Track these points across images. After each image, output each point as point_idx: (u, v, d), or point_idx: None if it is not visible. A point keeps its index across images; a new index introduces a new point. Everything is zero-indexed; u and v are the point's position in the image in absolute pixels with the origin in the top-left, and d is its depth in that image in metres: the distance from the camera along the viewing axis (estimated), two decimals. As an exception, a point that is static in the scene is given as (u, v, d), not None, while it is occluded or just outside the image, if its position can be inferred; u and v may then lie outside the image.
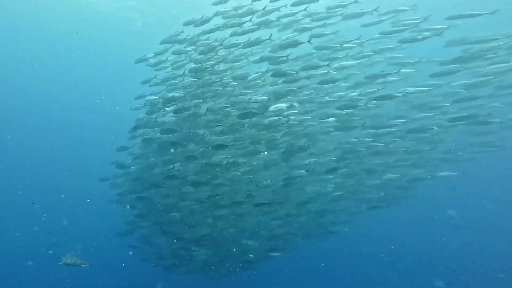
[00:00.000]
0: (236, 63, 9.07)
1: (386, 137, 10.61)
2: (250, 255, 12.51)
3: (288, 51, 8.43)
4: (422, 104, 10.18)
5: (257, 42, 8.00)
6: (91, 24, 22.72)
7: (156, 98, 9.45)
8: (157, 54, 9.78)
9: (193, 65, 8.84)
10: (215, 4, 8.69)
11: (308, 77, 8.39)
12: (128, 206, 11.34)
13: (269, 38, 8.00)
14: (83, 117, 32.71)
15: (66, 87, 32.67)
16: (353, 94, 8.86)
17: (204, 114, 8.92)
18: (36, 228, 22.85)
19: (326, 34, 8.38)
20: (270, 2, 8.35)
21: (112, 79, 31.19)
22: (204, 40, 8.59)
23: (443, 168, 12.98)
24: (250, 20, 7.83)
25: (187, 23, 8.85)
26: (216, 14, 8.55)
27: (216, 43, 8.55)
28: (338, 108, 8.72)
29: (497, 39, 8.55)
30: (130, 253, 13.01)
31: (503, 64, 8.78)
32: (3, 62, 29.83)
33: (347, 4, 7.71)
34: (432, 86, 9.03)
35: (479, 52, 8.69)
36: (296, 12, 7.88)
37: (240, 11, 8.18)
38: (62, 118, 32.93)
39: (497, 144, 12.10)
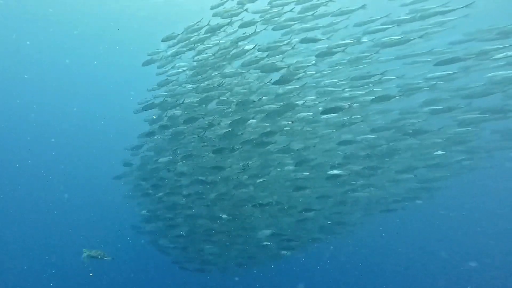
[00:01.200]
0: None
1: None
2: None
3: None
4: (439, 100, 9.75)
5: (242, 52, 8.08)
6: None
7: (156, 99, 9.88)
8: (162, 65, 10.14)
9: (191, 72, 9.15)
10: (213, 8, 8.94)
11: (299, 78, 8.33)
12: (139, 202, 12.00)
13: (254, 48, 8.08)
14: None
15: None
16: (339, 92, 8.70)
17: (203, 117, 9.15)
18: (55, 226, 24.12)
19: (317, 27, 8.35)
20: (268, 4, 8.48)
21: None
22: (198, 44, 8.86)
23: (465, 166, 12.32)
24: (230, 24, 7.95)
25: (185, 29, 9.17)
26: (213, 15, 8.76)
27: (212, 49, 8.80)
28: (322, 113, 8.52)
29: None
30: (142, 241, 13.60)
31: None
32: (32, 64, 31.69)
33: (325, 3, 7.59)
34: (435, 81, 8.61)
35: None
36: (285, 12, 7.89)
37: (233, 12, 8.32)
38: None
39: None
